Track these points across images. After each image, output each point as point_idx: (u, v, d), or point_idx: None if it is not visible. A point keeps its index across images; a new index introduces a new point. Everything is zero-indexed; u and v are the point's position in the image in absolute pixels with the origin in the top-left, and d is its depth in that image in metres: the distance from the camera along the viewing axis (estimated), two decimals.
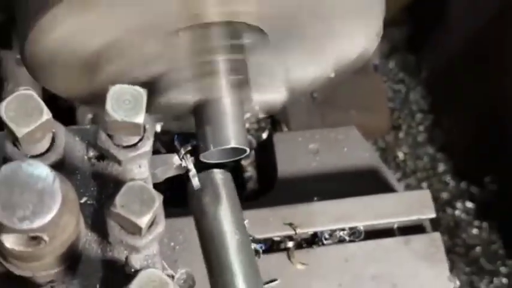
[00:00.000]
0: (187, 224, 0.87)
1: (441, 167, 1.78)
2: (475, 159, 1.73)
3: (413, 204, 0.96)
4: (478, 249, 1.65)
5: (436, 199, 1.73)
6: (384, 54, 1.89)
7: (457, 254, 1.66)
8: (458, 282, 0.94)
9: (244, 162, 1.19)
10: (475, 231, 1.68)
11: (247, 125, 0.91)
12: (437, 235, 0.96)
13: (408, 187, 1.74)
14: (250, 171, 1.16)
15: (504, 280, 1.62)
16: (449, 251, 1.68)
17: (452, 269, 0.97)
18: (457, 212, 1.70)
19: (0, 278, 0.61)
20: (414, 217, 0.96)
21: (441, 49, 1.82)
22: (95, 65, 0.81)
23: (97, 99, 0.81)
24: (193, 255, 0.87)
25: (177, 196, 1.03)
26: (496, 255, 1.66)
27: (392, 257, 0.94)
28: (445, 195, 1.74)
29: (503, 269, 1.63)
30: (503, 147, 1.66)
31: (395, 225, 0.97)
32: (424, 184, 1.76)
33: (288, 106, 1.43)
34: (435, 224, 0.99)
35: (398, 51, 1.91)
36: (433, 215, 0.97)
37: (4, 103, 0.57)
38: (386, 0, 1.73)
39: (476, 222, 1.70)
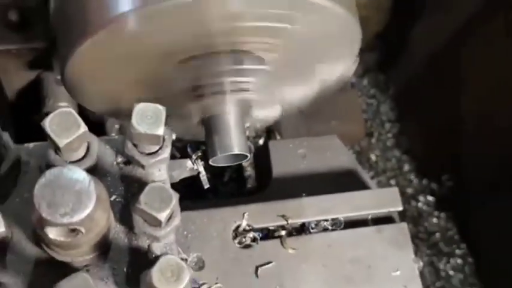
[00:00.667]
0: (198, 216, 0.87)
1: (406, 167, 1.76)
2: (434, 160, 1.73)
3: (384, 199, 0.96)
4: (437, 235, 1.65)
5: (402, 194, 1.72)
6: (359, 74, 1.88)
7: (420, 239, 1.65)
8: (421, 263, 0.94)
9: (244, 164, 1.19)
10: (434, 220, 1.68)
11: (247, 134, 0.90)
12: (404, 225, 0.95)
13: (379, 184, 1.73)
14: (249, 172, 1.16)
15: (459, 260, 1.61)
16: (414, 237, 1.68)
17: (416, 252, 0.96)
18: (419, 205, 1.69)
19: (44, 263, 0.59)
20: (385, 210, 0.95)
21: (405, 69, 1.82)
22: (120, 89, 0.80)
23: (123, 113, 0.81)
24: (203, 242, 0.86)
25: (190, 192, 1.04)
26: (452, 240, 1.65)
27: (367, 243, 0.93)
28: (409, 190, 1.73)
29: (458, 251, 1.63)
30: (458, 151, 1.65)
31: (370, 217, 0.96)
32: (393, 181, 1.75)
33: (280, 118, 1.44)
34: (402, 216, 0.98)
35: (371, 72, 1.89)
36: (400, 208, 0.96)
37: (48, 119, 0.57)
38: (362, 29, 1.72)
39: (435, 213, 1.69)
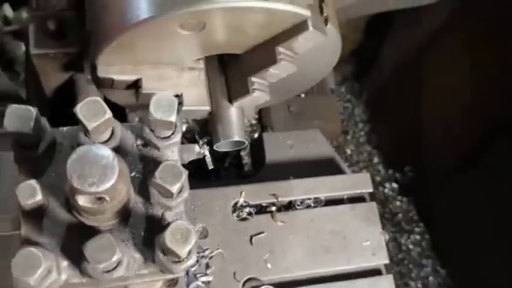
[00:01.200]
0: (203, 194, 0.86)
1: (375, 160, 1.75)
2: (399, 154, 1.71)
3: (358, 182, 0.96)
4: (399, 215, 1.64)
5: (372, 181, 1.73)
6: (337, 82, 1.87)
7: (386, 219, 1.64)
8: (387, 236, 0.94)
9: (242, 153, 1.17)
10: (398, 203, 1.66)
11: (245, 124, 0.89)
12: (373, 204, 0.96)
13: (353, 172, 1.74)
14: (246, 159, 1.14)
15: (417, 237, 1.60)
16: (380, 217, 1.65)
17: (382, 228, 0.94)
18: (386, 190, 1.68)
19: (75, 227, 0.58)
20: (358, 191, 0.95)
21: (376, 79, 1.80)
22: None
23: (141, 107, 0.79)
24: (207, 215, 0.86)
25: (197, 175, 1.01)
26: (412, 220, 1.64)
27: (343, 218, 0.93)
28: (378, 178, 1.71)
29: (416, 229, 1.62)
30: (418, 146, 1.65)
31: (345, 197, 0.96)
32: (364, 171, 1.72)
33: (272, 116, 1.42)
34: (372, 197, 0.98)
35: (347, 81, 1.88)
36: (371, 190, 0.96)
37: (79, 106, 0.55)
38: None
39: (398, 197, 1.67)
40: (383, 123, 1.77)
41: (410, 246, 1.58)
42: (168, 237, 0.53)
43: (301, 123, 1.32)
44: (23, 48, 1.26)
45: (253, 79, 0.67)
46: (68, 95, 1.00)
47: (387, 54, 1.72)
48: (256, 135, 1.24)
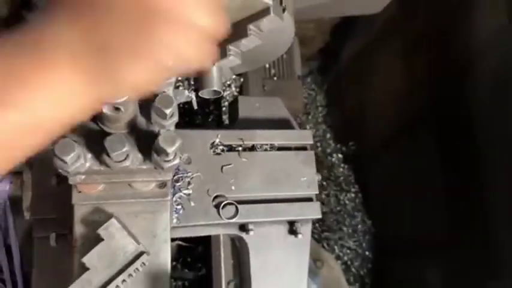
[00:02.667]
0: (189, 133, 0.89)
1: (328, 136, 1.86)
2: (346, 132, 1.83)
3: (302, 136, 1.00)
4: (341, 178, 1.76)
5: (323, 152, 1.84)
6: (305, 74, 1.97)
7: (331, 180, 1.76)
8: (320, 176, 0.97)
9: (223, 110, 1.25)
10: (341, 169, 1.79)
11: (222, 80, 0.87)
12: (311, 152, 0.97)
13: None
14: (225, 114, 1.22)
15: (353, 195, 1.74)
16: (327, 179, 1.78)
17: (319, 171, 0.99)
18: (333, 159, 1.80)
19: (98, 132, 0.64)
20: (302, 142, 0.99)
21: (335, 74, 1.92)
22: None
23: None
24: (191, 148, 0.89)
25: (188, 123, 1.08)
26: (350, 182, 1.77)
27: (289, 160, 0.96)
28: (328, 150, 1.82)
29: (353, 189, 1.75)
30: (360, 127, 1.77)
31: (293, 146, 0.99)
32: (318, 144, 1.83)
33: (250, 93, 1.50)
34: (311, 147, 0.97)
35: (313, 73, 1.98)
36: (311, 142, 0.99)
37: None
38: (308, 46, 1.76)
39: (342, 165, 1.80)
40: (336, 108, 1.89)
41: (347, 202, 1.71)
42: (161, 139, 0.60)
43: None
44: None
45: (230, 47, 0.72)
46: None
47: (345, 53, 1.83)
48: (234, 96, 1.34)
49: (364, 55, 1.67)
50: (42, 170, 0.87)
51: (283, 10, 0.71)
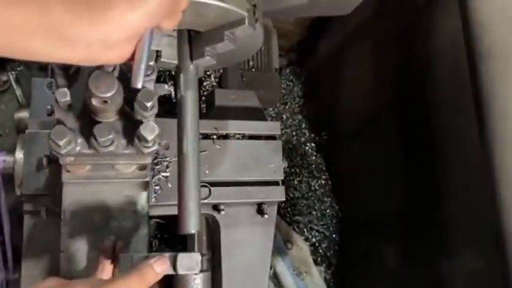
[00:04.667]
0: (168, 122, 0.91)
1: (303, 125, 1.94)
2: (319, 123, 1.92)
3: (272, 127, 1.08)
4: (313, 166, 1.84)
5: (298, 140, 1.94)
6: (283, 66, 2.06)
7: (303, 168, 1.83)
8: (286, 163, 1.07)
9: (203, 99, 1.32)
10: (313, 158, 1.86)
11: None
12: (279, 142, 1.05)
13: (285, 134, 1.91)
14: (203, 105, 1.31)
15: (323, 182, 1.82)
16: (300, 166, 1.87)
17: (286, 160, 1.07)
18: (306, 148, 1.87)
19: (89, 120, 0.71)
20: (271, 132, 1.07)
21: (312, 66, 2.01)
22: None
23: None
24: (170, 135, 0.92)
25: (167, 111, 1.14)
26: (322, 170, 1.85)
27: (259, 148, 1.05)
28: (302, 139, 1.90)
29: (323, 176, 1.82)
30: (333, 118, 1.87)
31: (262, 135, 1.07)
32: (294, 133, 1.92)
33: (229, 83, 1.57)
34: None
35: (291, 65, 2.06)
36: (279, 133, 1.07)
37: None
38: (288, 39, 1.82)
39: (314, 153, 1.87)
40: (312, 100, 1.98)
41: (317, 188, 1.79)
42: (142, 128, 0.68)
43: (250, 90, 1.45)
44: None
45: (207, 48, 0.77)
46: None
47: (321, 48, 1.93)
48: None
49: (338, 51, 1.76)
50: (32, 151, 0.96)
51: (256, 20, 0.78)
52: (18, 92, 1.09)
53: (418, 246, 1.28)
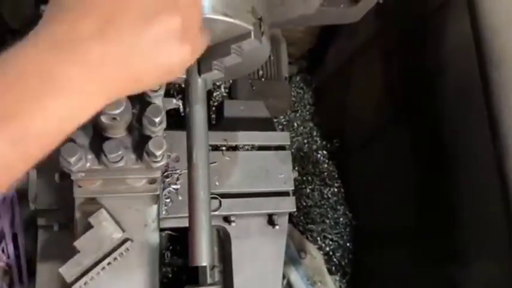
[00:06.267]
0: (177, 134, 0.92)
1: (314, 133, 1.93)
2: (330, 130, 1.92)
3: (281, 137, 1.09)
4: (325, 173, 1.83)
5: (310, 149, 1.94)
6: (293, 74, 2.07)
7: (316, 176, 1.82)
8: (296, 173, 1.07)
9: (210, 112, 1.35)
10: (325, 165, 1.85)
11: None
12: (288, 152, 1.05)
13: (296, 142, 1.92)
14: (213, 115, 1.31)
15: (336, 190, 1.81)
16: (312, 174, 1.87)
17: (296, 168, 1.09)
18: (318, 156, 1.86)
19: (98, 136, 0.72)
20: (281, 143, 1.07)
21: (322, 73, 2.02)
22: None
23: None
24: (180, 148, 0.94)
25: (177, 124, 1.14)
26: (334, 178, 1.83)
27: (268, 159, 1.04)
28: (314, 147, 1.90)
29: (336, 184, 1.81)
30: (344, 125, 1.87)
31: (272, 146, 1.06)
32: (305, 140, 1.92)
33: (239, 92, 1.59)
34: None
35: (301, 72, 2.05)
36: (288, 143, 1.07)
37: None
38: (298, 47, 1.83)
39: (326, 161, 1.87)
40: (323, 107, 1.97)
41: (330, 196, 1.77)
42: (151, 144, 0.69)
43: (260, 99, 1.35)
44: None
45: (215, 62, 0.78)
46: None
47: (331, 55, 1.93)
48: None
49: (348, 58, 1.75)
50: (45, 166, 0.98)
51: (262, 34, 0.79)
52: None
53: (433, 255, 1.27)
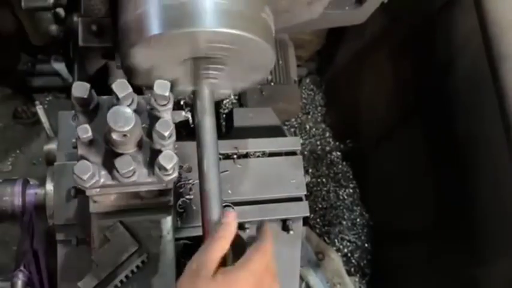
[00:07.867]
0: (188, 144, 0.94)
1: (327, 134, 1.96)
2: (343, 131, 1.93)
3: (292, 142, 1.08)
4: (340, 175, 1.86)
5: (322, 150, 1.94)
6: (303, 75, 2.07)
7: (330, 177, 1.86)
8: (308, 178, 1.07)
9: (220, 120, 1.36)
10: (340, 166, 1.88)
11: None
12: (299, 157, 1.06)
13: (309, 144, 1.94)
14: (223, 123, 1.30)
15: (351, 190, 1.84)
16: (326, 176, 1.88)
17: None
18: (332, 157, 1.89)
19: (110, 152, 0.71)
20: (291, 148, 1.07)
21: (332, 75, 2.02)
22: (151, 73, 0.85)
23: (150, 87, 0.78)
24: (190, 158, 0.97)
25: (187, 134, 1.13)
26: (349, 178, 1.88)
27: (280, 165, 1.05)
28: (327, 148, 1.92)
29: (351, 185, 1.86)
30: (356, 125, 1.87)
31: (282, 151, 1.06)
32: (318, 142, 1.94)
33: (248, 98, 1.60)
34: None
35: (311, 74, 2.07)
36: (299, 148, 1.07)
37: (114, 84, 0.71)
38: (307, 49, 1.83)
39: (340, 162, 1.89)
40: (334, 107, 1.98)
41: (346, 197, 1.80)
42: (161, 158, 0.70)
43: (270, 104, 1.48)
44: None
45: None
46: (103, 76, 1.08)
47: (340, 56, 1.93)
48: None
49: (357, 58, 1.75)
50: (61, 182, 1.00)
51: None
52: (46, 125, 1.13)
53: (452, 253, 1.26)
